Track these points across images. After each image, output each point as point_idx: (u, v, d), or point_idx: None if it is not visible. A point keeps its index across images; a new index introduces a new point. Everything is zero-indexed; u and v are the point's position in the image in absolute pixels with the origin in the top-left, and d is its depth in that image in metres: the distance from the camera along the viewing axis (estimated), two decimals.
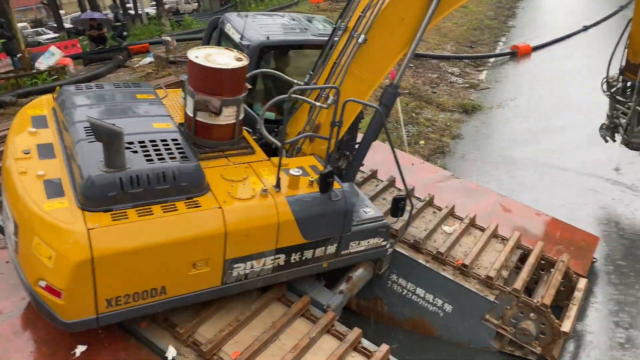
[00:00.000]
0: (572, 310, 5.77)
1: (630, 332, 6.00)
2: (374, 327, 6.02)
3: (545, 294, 5.66)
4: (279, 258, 4.48)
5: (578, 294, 6.06)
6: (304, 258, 4.67)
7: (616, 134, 8.79)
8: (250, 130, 5.23)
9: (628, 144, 8.55)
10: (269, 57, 5.86)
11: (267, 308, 4.77)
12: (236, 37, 5.64)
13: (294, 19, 6.33)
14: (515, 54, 19.57)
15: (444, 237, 6.34)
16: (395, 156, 4.96)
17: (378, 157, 6.76)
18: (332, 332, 4.67)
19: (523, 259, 6.32)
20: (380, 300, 6.26)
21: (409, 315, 6.14)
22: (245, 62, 4.60)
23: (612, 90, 8.44)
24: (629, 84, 8.31)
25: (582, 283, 6.24)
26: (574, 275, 6.32)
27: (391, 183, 7.15)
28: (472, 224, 6.71)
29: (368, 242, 5.09)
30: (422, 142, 11.50)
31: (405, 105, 12.90)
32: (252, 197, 4.29)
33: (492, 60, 19.49)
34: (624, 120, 8.39)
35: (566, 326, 5.49)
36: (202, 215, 4.03)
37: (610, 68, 8.27)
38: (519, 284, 5.64)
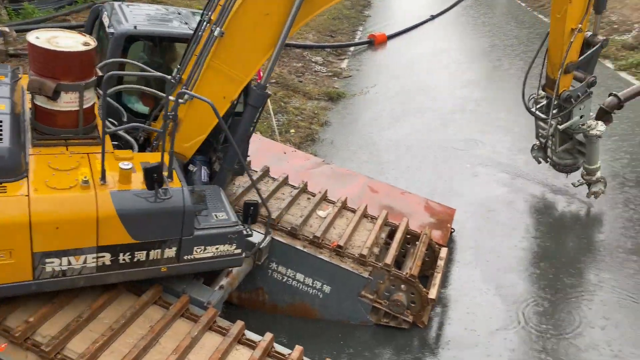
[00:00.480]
0: (437, 278, 6.33)
1: (486, 292, 6.72)
2: (257, 317, 6.06)
3: (412, 266, 6.13)
4: (103, 257, 4.20)
5: (441, 263, 6.65)
6: (136, 260, 4.36)
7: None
8: (116, 122, 4.93)
9: (554, 165, 8.54)
10: (139, 49, 5.58)
11: (143, 313, 4.54)
12: (107, 26, 5.33)
13: (178, 12, 6.08)
14: (373, 43, 20.56)
15: (319, 221, 6.54)
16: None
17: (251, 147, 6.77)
18: (214, 329, 4.60)
19: (391, 235, 6.76)
20: (261, 290, 6.30)
21: (290, 300, 6.27)
22: (91, 47, 4.31)
23: (537, 107, 7.92)
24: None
25: (443, 252, 6.85)
26: (436, 246, 6.92)
27: (284, 180, 7.21)
28: (344, 206, 7.01)
29: (217, 249, 4.74)
30: (292, 130, 11.69)
31: (274, 95, 13.00)
32: (70, 187, 4.01)
33: (352, 49, 20.30)
34: (548, 140, 8.23)
35: (432, 293, 6.02)
36: (5, 202, 3.77)
37: (525, 86, 7.75)
38: (389, 258, 6.03)
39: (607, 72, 14.92)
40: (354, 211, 6.95)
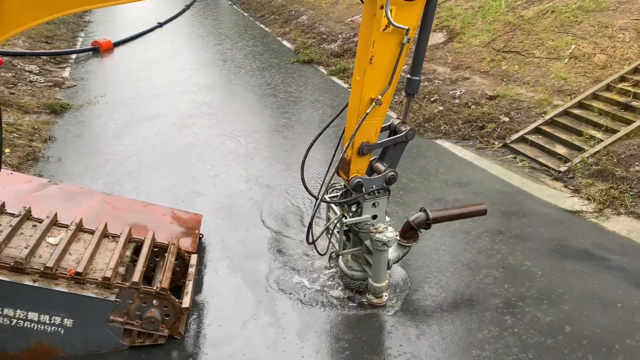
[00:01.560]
0: (189, 287, 6.30)
1: (236, 288, 6.98)
2: None
3: (162, 279, 5.96)
4: None
5: (192, 270, 6.64)
6: None
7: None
8: None
9: (341, 277, 6.84)
10: None
11: None
12: None
13: None
14: (98, 50, 19.27)
15: (50, 249, 5.84)
16: None
17: None
18: None
19: (137, 252, 6.46)
20: None
21: (25, 345, 5.45)
22: None
23: (332, 195, 6.55)
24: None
25: (193, 259, 6.85)
26: (186, 254, 6.88)
27: (27, 214, 6.18)
28: (80, 228, 6.40)
29: None
30: (7, 150, 10.13)
31: None
32: None
33: (74, 56, 18.63)
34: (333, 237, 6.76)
35: (186, 302, 5.97)
36: None
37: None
38: (136, 276, 5.75)
39: (321, 75, 17.03)
40: (92, 232, 6.41)
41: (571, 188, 9.30)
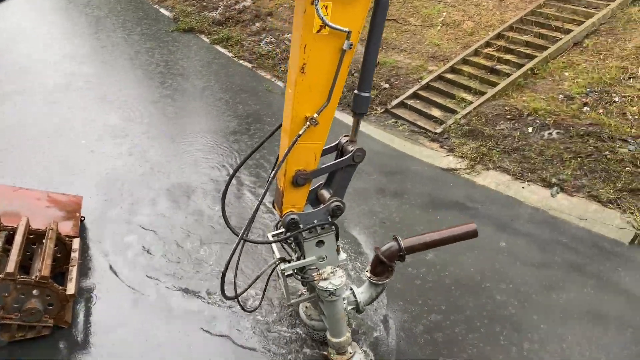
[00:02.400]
0: (73, 272, 5.98)
1: (122, 267, 6.74)
2: None
3: (42, 267, 5.59)
4: None
5: (75, 255, 6.28)
6: None
7: None
8: None
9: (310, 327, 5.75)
10: None
11: None
12: None
13: None
14: None
15: None
16: None
17: None
18: None
19: (10, 240, 5.96)
20: None
21: None
22: None
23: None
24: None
25: (76, 243, 6.48)
26: (67, 239, 6.47)
27: None
28: None
29: None
30: None
31: None
32: None
33: None
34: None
35: (70, 289, 5.67)
36: None
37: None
38: (10, 266, 5.33)
39: (205, 44, 16.48)
40: None
41: (446, 148, 10.03)
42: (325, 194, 4.73)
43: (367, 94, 4.22)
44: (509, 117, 10.10)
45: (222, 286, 4.32)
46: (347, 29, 3.63)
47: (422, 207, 8.14)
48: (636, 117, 9.16)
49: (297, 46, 3.71)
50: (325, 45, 3.70)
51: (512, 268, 6.79)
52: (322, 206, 4.59)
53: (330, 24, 3.55)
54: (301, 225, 4.53)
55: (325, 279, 4.64)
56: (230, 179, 4.50)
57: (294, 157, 4.19)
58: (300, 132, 3.99)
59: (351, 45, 3.72)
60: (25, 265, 6.04)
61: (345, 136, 4.64)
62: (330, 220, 4.63)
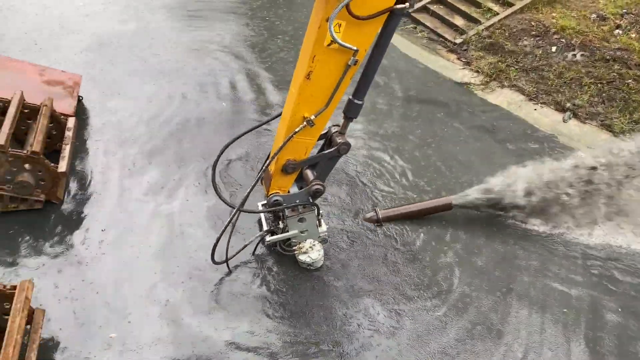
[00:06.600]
0: (66, 151, 5.98)
1: (116, 155, 6.75)
2: None
3: (34, 142, 5.58)
4: None
5: (69, 134, 6.25)
6: None
7: None
8: None
9: None
10: None
11: None
12: None
13: None
14: None
15: None
16: None
17: None
18: None
19: (4, 112, 5.91)
20: None
21: None
22: None
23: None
24: None
25: (71, 122, 6.42)
26: (62, 117, 6.41)
27: None
28: None
29: None
30: None
31: None
32: None
33: None
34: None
35: (62, 167, 5.70)
36: None
37: None
38: (2, 138, 5.31)
39: None
40: None
41: (464, 60, 9.57)
42: (309, 174, 5.12)
43: (360, 102, 4.50)
44: (534, 33, 9.48)
45: (213, 252, 5.09)
46: (355, 48, 3.90)
47: (427, 119, 7.93)
48: None
49: (307, 55, 4.00)
50: (332, 58, 3.99)
51: None
52: (304, 188, 5.07)
53: (340, 41, 3.81)
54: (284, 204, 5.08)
55: (304, 253, 5.35)
56: (220, 154, 4.75)
57: (287, 148, 4.56)
58: (297, 130, 4.37)
59: (356, 62, 4.02)
60: (20, 140, 6.05)
61: (335, 126, 4.92)
62: (311, 201, 5.16)
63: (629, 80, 8.08)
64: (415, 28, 10.59)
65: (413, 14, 10.83)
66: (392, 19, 3.92)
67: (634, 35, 8.83)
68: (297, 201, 5.13)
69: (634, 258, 5.92)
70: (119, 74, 8.16)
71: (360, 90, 4.44)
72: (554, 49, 9.09)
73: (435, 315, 5.19)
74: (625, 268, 5.79)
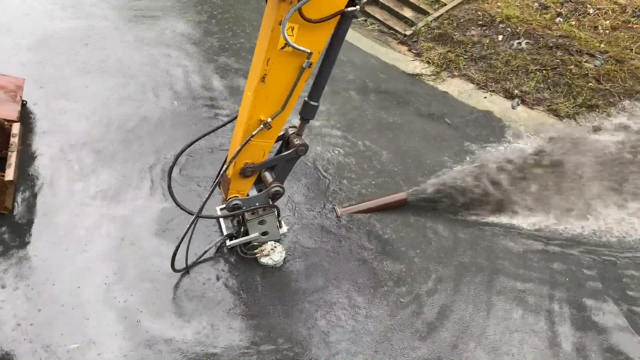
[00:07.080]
0: (12, 158, 5.75)
1: (65, 158, 6.53)
2: None
3: None
4: None
5: (14, 140, 6.00)
6: None
7: None
8: None
9: None
10: None
11: None
12: None
13: None
14: None
15: None
16: None
17: None
18: None
19: None
20: None
21: None
22: None
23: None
24: None
25: (15, 128, 6.17)
26: (6, 123, 6.14)
27: None
28: None
29: None
30: None
31: None
32: None
33: None
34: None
35: (9, 175, 5.48)
36: None
37: None
38: None
39: None
40: None
41: (414, 52, 9.71)
42: (268, 176, 5.08)
43: (316, 104, 4.53)
44: (480, 22, 9.74)
45: (173, 260, 5.04)
46: (308, 50, 3.91)
47: (382, 110, 8.03)
48: (607, 31, 8.98)
49: (261, 58, 3.98)
50: (286, 61, 4.00)
51: None
52: (263, 191, 5.07)
53: (293, 44, 3.80)
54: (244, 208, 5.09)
55: (266, 255, 5.45)
56: (175, 160, 4.66)
57: (245, 152, 4.53)
58: (254, 133, 4.35)
59: (310, 64, 4.02)
60: None
61: (291, 127, 4.95)
62: (271, 203, 5.20)
63: (571, 66, 8.42)
64: (366, 21, 10.68)
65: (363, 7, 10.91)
66: (344, 21, 3.96)
67: (574, 23, 9.20)
68: (257, 204, 5.16)
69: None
70: (65, 75, 7.87)
71: (316, 91, 4.46)
72: (500, 37, 9.37)
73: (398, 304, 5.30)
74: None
